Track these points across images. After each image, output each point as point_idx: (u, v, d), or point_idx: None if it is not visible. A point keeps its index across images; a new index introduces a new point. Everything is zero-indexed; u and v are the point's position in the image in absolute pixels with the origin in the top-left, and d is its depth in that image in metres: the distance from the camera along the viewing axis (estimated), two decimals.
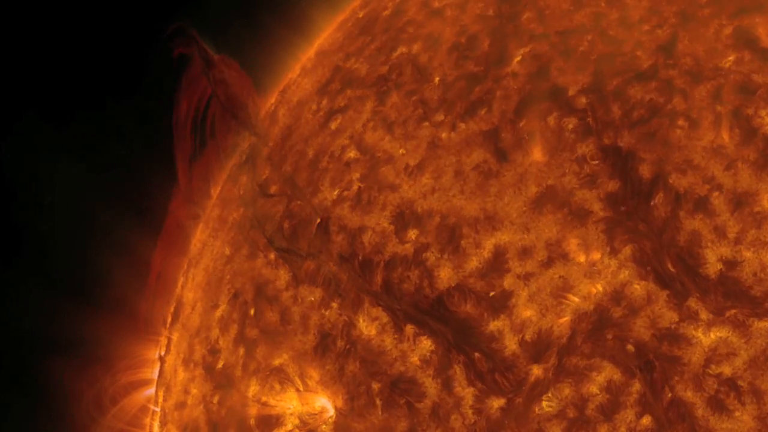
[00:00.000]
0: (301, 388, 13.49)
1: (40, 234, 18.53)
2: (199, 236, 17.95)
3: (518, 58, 13.56)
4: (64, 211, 18.22)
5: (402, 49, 15.36)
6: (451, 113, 13.72)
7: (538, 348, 11.63)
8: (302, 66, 18.37)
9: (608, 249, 11.70)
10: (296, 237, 14.48)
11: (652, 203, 11.73)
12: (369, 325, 12.93)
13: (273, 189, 15.50)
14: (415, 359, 12.39)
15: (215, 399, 14.97)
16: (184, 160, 18.31)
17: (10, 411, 17.84)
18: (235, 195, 16.81)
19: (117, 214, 18.15)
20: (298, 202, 14.85)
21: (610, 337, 11.32)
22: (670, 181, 11.75)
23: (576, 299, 11.61)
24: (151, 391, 18.06)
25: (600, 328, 11.39)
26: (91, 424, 17.67)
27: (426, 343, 12.36)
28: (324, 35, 18.66)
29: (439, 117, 13.79)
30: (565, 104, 12.79)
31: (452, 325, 12.20)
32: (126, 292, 18.38)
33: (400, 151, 13.87)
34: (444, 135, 13.55)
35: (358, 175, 14.13)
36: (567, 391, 11.33)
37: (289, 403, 13.59)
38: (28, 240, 18.47)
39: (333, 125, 15.23)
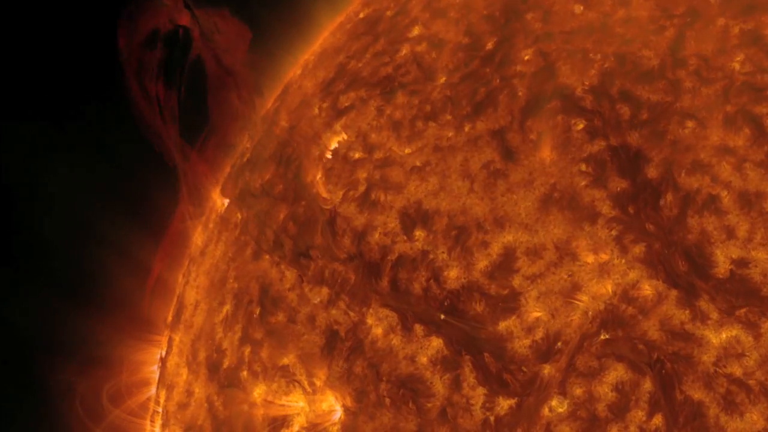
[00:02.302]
0: (308, 389, 13.45)
1: (40, 235, 18.43)
2: (200, 236, 17.89)
3: (525, 58, 13.56)
4: (64, 212, 18.12)
5: (406, 49, 15.34)
6: (458, 113, 13.71)
7: (548, 348, 11.63)
8: (304, 66, 18.32)
9: (617, 249, 11.71)
10: (302, 237, 14.45)
11: (660, 203, 11.75)
12: (377, 325, 12.91)
13: (277, 189, 15.46)
14: (423, 359, 12.37)
15: (220, 400, 14.92)
16: (179, 154, 18.27)
17: (11, 411, 17.76)
18: (238, 195, 16.75)
19: (117, 215, 18.07)
20: (303, 202, 14.82)
21: (620, 336, 11.33)
22: (679, 181, 11.77)
23: (585, 299, 11.62)
24: (152, 391, 18.01)
25: (610, 328, 11.39)
26: (92, 424, 17.60)
27: (435, 343, 12.35)
28: (325, 35, 18.63)
29: (446, 117, 13.78)
30: (573, 104, 12.79)
31: (461, 325, 12.19)
32: (126, 292, 18.31)
33: (406, 150, 13.85)
34: (450, 135, 13.55)
35: (364, 175, 14.10)
36: (578, 390, 11.33)
37: (296, 404, 13.56)
38: (29, 241, 18.37)
39: (337, 126, 15.19)
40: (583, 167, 12.28)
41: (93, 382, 17.81)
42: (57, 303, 18.01)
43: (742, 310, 11.03)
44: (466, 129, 13.43)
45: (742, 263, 11.23)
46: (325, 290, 13.65)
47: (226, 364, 15.07)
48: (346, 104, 15.33)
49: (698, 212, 11.53)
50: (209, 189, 18.57)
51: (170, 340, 17.63)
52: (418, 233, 13.07)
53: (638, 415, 10.99)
